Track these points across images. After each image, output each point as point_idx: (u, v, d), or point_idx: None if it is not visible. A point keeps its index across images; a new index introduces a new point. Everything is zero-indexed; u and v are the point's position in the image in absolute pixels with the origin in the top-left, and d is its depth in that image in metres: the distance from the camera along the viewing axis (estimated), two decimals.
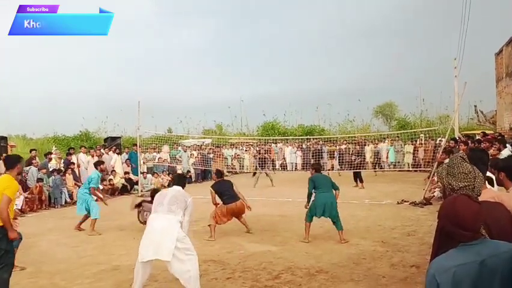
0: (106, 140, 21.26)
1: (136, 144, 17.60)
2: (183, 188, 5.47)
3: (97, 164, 9.94)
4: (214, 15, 76.90)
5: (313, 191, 7.74)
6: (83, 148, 17.11)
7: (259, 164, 17.88)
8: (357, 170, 15.90)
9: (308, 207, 7.72)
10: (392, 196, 12.87)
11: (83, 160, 15.83)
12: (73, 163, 15.29)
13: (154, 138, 21.07)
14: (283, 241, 7.69)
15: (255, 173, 17.98)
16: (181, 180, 5.74)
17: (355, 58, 69.45)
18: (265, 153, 19.29)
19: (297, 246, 7.35)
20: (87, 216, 9.17)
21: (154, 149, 20.03)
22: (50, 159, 15.07)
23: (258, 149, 22.10)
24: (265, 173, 17.46)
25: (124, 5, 64.47)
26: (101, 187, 14.52)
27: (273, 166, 20.25)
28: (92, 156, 16.00)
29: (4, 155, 11.45)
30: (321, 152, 21.74)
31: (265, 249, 7.20)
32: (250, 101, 56.00)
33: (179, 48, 70.96)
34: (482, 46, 33.26)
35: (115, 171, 16.46)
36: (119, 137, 22.23)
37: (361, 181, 15.33)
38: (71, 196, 13.79)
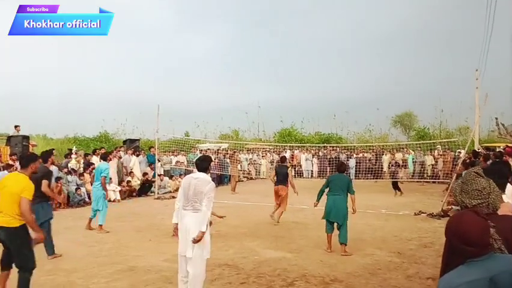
0: (124, 141, 21.55)
1: (153, 147, 17.80)
2: (207, 171, 5.11)
3: (105, 155, 10.09)
4: (234, 20, 77.25)
5: (326, 191, 7.70)
6: (103, 149, 17.39)
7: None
8: (395, 180, 16.62)
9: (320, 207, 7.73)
10: (409, 207, 12.72)
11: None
12: (93, 163, 15.52)
13: (172, 142, 21.29)
14: (298, 248, 7.67)
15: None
16: (204, 163, 5.15)
17: (374, 66, 68.79)
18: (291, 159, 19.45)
19: (312, 253, 7.33)
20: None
21: (173, 152, 20.23)
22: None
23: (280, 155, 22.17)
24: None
25: (144, 8, 65.34)
26: (119, 188, 14.77)
27: (296, 172, 20.21)
28: (112, 158, 16.23)
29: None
30: (339, 160, 21.64)
31: (280, 255, 7.19)
32: (268, 106, 55.85)
33: (198, 52, 71.43)
34: (506, 58, 32.58)
35: (132, 172, 16.65)
36: (138, 139, 22.50)
37: (399, 189, 16.08)
38: (89, 196, 14.00)
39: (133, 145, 19.72)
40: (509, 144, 17.87)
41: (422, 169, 20.94)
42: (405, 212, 11.94)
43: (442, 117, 34.01)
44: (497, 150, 14.64)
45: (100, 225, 9.21)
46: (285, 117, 41.16)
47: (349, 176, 15.53)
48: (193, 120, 47.85)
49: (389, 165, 18.13)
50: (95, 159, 15.85)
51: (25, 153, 5.51)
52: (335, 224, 7.48)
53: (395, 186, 16.25)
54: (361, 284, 5.71)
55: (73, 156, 15.92)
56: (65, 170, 14.09)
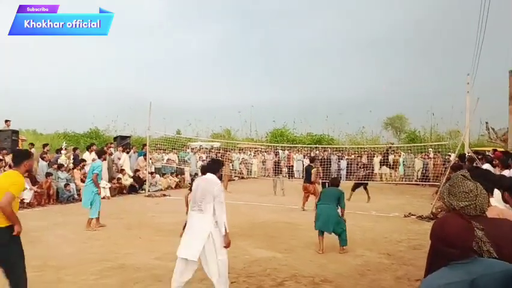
0: (115, 138, 21.42)
1: (145, 144, 17.72)
2: (217, 173, 5.01)
3: (100, 154, 10.01)
4: (227, 19, 77.25)
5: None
6: (94, 146, 17.26)
7: (274, 170, 18.39)
8: (363, 182, 15.36)
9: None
10: (399, 209, 12.80)
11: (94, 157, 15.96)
12: (85, 160, 15.41)
13: (163, 140, 21.22)
14: (289, 248, 7.69)
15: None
16: (213, 165, 5.12)
17: (367, 69, 69.27)
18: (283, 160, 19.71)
19: (303, 254, 7.35)
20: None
21: (164, 150, 20.18)
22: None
23: (276, 156, 22.33)
24: (279, 180, 17.46)
25: (138, 6, 65.07)
26: (109, 185, 14.67)
27: (290, 174, 20.31)
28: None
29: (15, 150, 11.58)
30: (330, 161, 21.72)
31: (270, 255, 7.20)
32: (260, 107, 55.93)
33: (191, 51, 71.29)
34: (497, 63, 32.98)
35: (123, 169, 16.56)
36: (129, 136, 22.38)
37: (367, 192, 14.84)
38: (78, 192, 13.90)
39: (124, 142, 19.61)
40: (498, 148, 18.08)
41: (412, 172, 21.11)
42: (395, 214, 12.02)
43: (433, 120, 34.33)
44: (487, 154, 14.81)
45: (91, 219, 9.08)
46: (277, 118, 41.33)
47: (340, 177, 15.58)
48: (185, 118, 47.71)
49: (357, 167, 17.72)
50: (86, 156, 15.75)
51: (18, 150, 5.20)
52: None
53: (365, 188, 14.95)
54: (350, 285, 5.73)
55: (63, 152, 15.79)
56: (55, 166, 13.98)
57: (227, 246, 4.79)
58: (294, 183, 18.39)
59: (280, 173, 18.14)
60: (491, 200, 3.36)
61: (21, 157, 4.68)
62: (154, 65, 66.15)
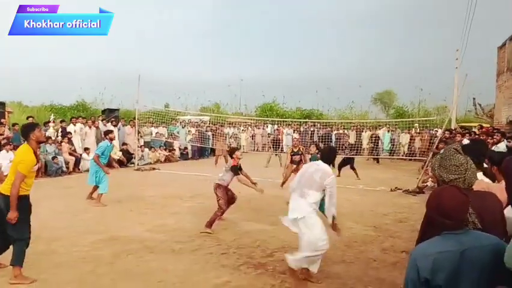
0: (103, 111, 21.22)
1: (134, 118, 17.62)
2: (330, 164, 4.92)
3: (106, 134, 9.95)
4: None
5: None
6: (80, 118, 17.11)
7: (272, 145, 18.65)
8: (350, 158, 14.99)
9: None
10: (386, 183, 13.03)
11: (78, 130, 15.84)
12: (70, 132, 15.31)
13: (152, 113, 21.09)
14: (278, 221, 7.74)
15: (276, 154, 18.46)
16: (329, 155, 5.02)
17: (357, 44, 69.01)
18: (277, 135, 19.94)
19: None
20: (96, 187, 9.17)
21: (152, 123, 20.08)
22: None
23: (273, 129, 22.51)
24: (276, 154, 18.04)
25: None
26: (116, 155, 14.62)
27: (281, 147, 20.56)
28: (90, 127, 16.03)
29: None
30: (319, 136, 21.91)
31: (260, 227, 7.34)
32: (250, 81, 55.77)
33: (180, 24, 70.11)
34: (486, 38, 33.10)
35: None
36: (117, 109, 22.17)
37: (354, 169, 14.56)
38: (67, 165, 13.86)
39: (112, 115, 19.45)
40: (484, 124, 18.36)
41: (393, 146, 21.33)
42: (382, 188, 12.24)
43: (421, 96, 34.57)
44: (472, 130, 15.05)
45: (101, 194, 9.02)
46: (267, 92, 41.22)
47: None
48: (173, 91, 47.31)
49: (343, 147, 17.73)
50: (70, 128, 15.63)
51: (23, 125, 5.25)
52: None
53: (352, 168, 14.54)
54: (337, 256, 5.90)
55: (51, 124, 15.63)
56: None
57: (338, 234, 4.90)
58: (282, 157, 18.51)
59: (279, 148, 18.69)
60: (479, 174, 3.46)
61: (26, 130, 4.74)
62: (143, 38, 65.11)
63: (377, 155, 20.39)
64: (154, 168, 15.86)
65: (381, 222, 7.99)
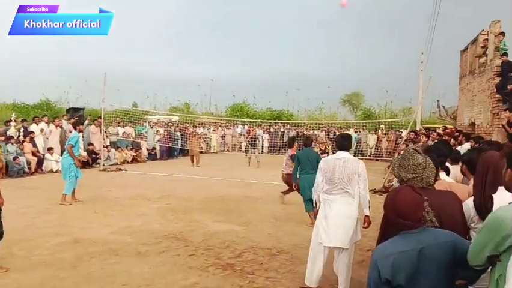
0: (68, 110, 20.62)
1: (99, 117, 17.21)
2: (349, 150, 4.71)
3: (75, 125, 9.72)
4: None
5: (298, 170, 7.39)
6: (45, 117, 16.56)
7: (250, 144, 18.63)
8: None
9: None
10: None
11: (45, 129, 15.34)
12: (33, 132, 14.79)
13: (119, 112, 20.66)
14: (247, 221, 7.80)
15: (246, 153, 18.76)
16: (345, 141, 4.71)
17: (326, 45, 69.98)
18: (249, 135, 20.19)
19: (260, 226, 7.48)
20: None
21: (119, 123, 19.67)
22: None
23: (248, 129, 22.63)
24: (254, 154, 18.12)
25: None
26: (61, 158, 14.20)
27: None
28: (56, 126, 15.53)
29: None
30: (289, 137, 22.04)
31: (229, 228, 7.28)
32: (220, 81, 55.51)
33: (148, 21, 69.15)
34: (450, 42, 34.17)
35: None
36: (82, 108, 21.58)
37: None
38: (29, 166, 13.38)
39: (77, 114, 18.90)
40: (448, 126, 18.94)
41: (359, 146, 21.73)
42: None
43: (388, 97, 35.32)
44: (437, 131, 15.49)
45: (64, 195, 8.89)
46: (237, 93, 41.13)
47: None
48: (141, 91, 46.55)
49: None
50: (34, 128, 15.12)
51: None
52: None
53: None
54: (306, 255, 5.87)
55: (12, 123, 15.05)
56: (2, 137, 13.31)
57: (368, 226, 4.53)
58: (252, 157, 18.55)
59: (256, 148, 18.82)
60: (441, 174, 3.54)
61: None
62: (110, 35, 63.61)
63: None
64: (120, 169, 15.52)
65: None
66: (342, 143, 4.66)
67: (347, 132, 22.32)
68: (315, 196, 4.76)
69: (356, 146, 21.79)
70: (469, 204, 2.72)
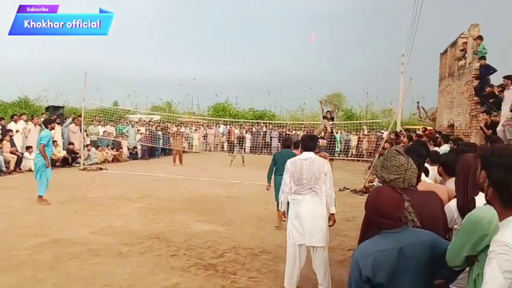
0: (47, 108, 20.22)
1: (79, 116, 16.95)
2: (314, 150, 4.76)
3: (47, 123, 9.54)
4: None
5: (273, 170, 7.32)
6: (24, 115, 16.21)
7: (238, 143, 18.91)
8: None
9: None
10: (334, 183, 13.23)
11: (21, 128, 15.02)
12: (11, 130, 14.47)
13: (99, 111, 20.39)
14: (229, 222, 7.79)
15: (231, 153, 18.94)
16: (311, 141, 4.77)
17: (308, 46, 70.34)
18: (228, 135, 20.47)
19: (243, 226, 7.49)
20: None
21: (99, 122, 19.39)
22: None
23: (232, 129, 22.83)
24: (240, 154, 18.41)
25: None
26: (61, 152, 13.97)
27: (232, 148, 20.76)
28: (35, 124, 15.22)
29: None
30: (271, 137, 22.15)
31: (210, 228, 7.27)
32: (203, 80, 55.25)
33: (130, 20, 68.36)
34: (429, 45, 34.83)
35: (56, 141, 15.72)
36: (62, 107, 21.20)
37: None
38: (7, 165, 13.10)
39: (56, 112, 18.58)
40: (428, 127, 19.26)
41: (347, 147, 22.04)
42: None
43: (368, 99, 35.74)
44: (417, 132, 15.75)
45: (40, 196, 8.71)
46: (219, 92, 41.06)
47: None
48: (123, 89, 46.01)
49: None
50: (12, 126, 14.80)
51: None
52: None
53: None
54: (285, 255, 5.95)
55: None
56: None
57: (333, 224, 4.66)
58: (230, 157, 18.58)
59: (242, 148, 19.24)
60: (423, 175, 3.60)
61: None
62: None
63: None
64: (101, 168, 15.33)
65: None
66: (308, 143, 4.73)
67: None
68: (282, 197, 4.84)
69: (345, 146, 22.06)
70: (451, 207, 2.78)
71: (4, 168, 12.94)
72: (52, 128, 9.50)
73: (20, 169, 13.64)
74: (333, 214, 4.67)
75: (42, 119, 16.09)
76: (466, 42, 15.50)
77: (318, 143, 4.88)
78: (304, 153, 4.68)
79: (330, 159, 13.96)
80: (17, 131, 14.71)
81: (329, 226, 4.69)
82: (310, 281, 4.89)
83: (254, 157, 19.48)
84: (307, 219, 4.51)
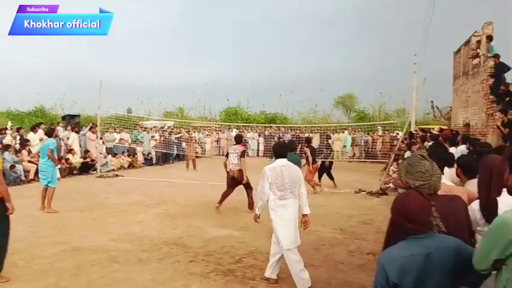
0: (64, 117, 20.57)
1: (93, 123, 17.18)
2: (286, 157, 5.04)
3: (50, 132, 9.75)
4: None
5: None
6: (42, 125, 16.50)
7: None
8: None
9: None
10: (349, 185, 13.27)
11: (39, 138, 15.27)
12: (29, 140, 14.73)
13: (114, 118, 20.64)
14: (245, 226, 7.82)
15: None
16: (282, 149, 5.11)
17: (319, 48, 70.27)
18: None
19: (259, 231, 7.47)
20: (46, 191, 8.98)
21: (115, 129, 19.63)
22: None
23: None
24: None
25: None
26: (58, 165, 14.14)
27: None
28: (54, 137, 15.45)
29: None
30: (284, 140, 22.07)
31: (227, 233, 7.30)
32: (214, 85, 55.64)
33: (144, 27, 69.14)
34: (443, 44, 34.51)
35: (73, 149, 15.98)
36: (78, 115, 21.54)
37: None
38: (26, 174, 13.32)
39: (73, 121, 18.88)
40: (442, 126, 19.07)
41: (367, 148, 21.90)
42: (346, 190, 12.48)
43: (381, 99, 35.50)
44: (433, 132, 15.59)
45: (52, 192, 8.93)
46: (231, 96, 41.28)
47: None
48: (136, 96, 46.50)
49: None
50: (31, 136, 15.06)
51: None
52: None
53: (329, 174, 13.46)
54: (306, 259, 5.90)
55: (8, 131, 14.99)
56: None
57: (308, 226, 4.98)
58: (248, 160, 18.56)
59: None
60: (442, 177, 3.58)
61: None
62: (103, 42, 63.55)
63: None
64: (117, 175, 15.50)
65: (346, 225, 8.13)
66: (280, 151, 5.02)
67: (342, 134, 22.52)
68: (260, 203, 5.06)
69: (365, 148, 21.99)
70: (474, 208, 2.76)
71: (23, 178, 13.16)
72: (56, 136, 9.72)
73: (39, 178, 13.82)
74: (306, 215, 4.96)
75: (59, 128, 16.40)
76: (479, 41, 15.34)
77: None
78: (278, 160, 4.96)
79: (330, 161, 13.99)
80: (40, 140, 14.96)
81: (305, 227, 4.98)
82: (317, 283, 4.88)
83: (268, 161, 19.48)
84: (288, 221, 4.82)
